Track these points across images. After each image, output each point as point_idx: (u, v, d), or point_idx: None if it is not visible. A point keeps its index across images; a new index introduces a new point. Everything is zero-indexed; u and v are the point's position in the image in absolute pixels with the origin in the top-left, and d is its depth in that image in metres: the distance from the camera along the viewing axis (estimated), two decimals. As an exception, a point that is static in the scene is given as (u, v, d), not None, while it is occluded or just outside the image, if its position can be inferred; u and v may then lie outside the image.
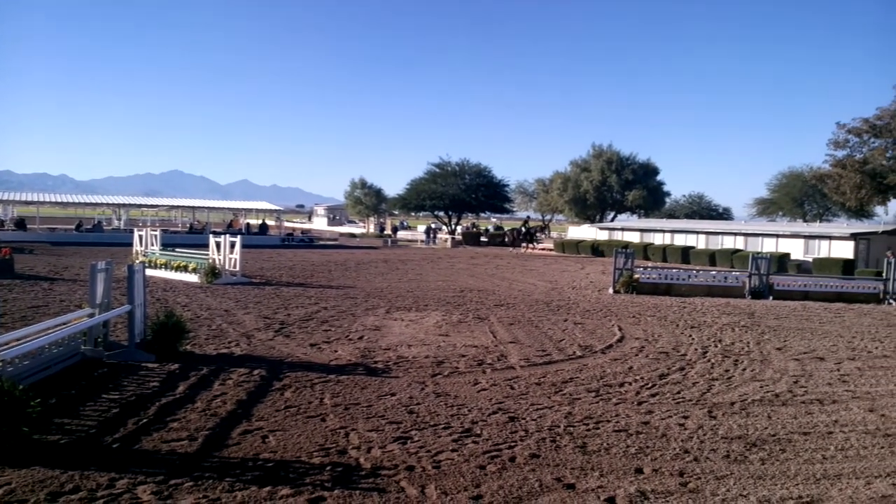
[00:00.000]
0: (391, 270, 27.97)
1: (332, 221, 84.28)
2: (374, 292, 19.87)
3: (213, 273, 20.65)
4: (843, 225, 45.64)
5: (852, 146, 33.09)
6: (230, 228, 45.47)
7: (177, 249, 24.45)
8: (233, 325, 13.53)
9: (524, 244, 47.44)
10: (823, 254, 34.91)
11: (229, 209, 55.59)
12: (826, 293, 22.32)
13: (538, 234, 47.99)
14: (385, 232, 67.83)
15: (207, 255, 21.61)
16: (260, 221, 53.97)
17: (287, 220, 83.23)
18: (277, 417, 7.59)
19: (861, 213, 49.91)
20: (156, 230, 27.20)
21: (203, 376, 9.30)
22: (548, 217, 74.24)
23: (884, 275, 22.78)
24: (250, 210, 54.85)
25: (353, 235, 65.33)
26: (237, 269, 21.50)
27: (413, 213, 77.78)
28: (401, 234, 66.68)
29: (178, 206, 59.44)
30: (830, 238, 35.54)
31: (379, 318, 15.06)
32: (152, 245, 24.85)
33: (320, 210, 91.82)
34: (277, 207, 59.50)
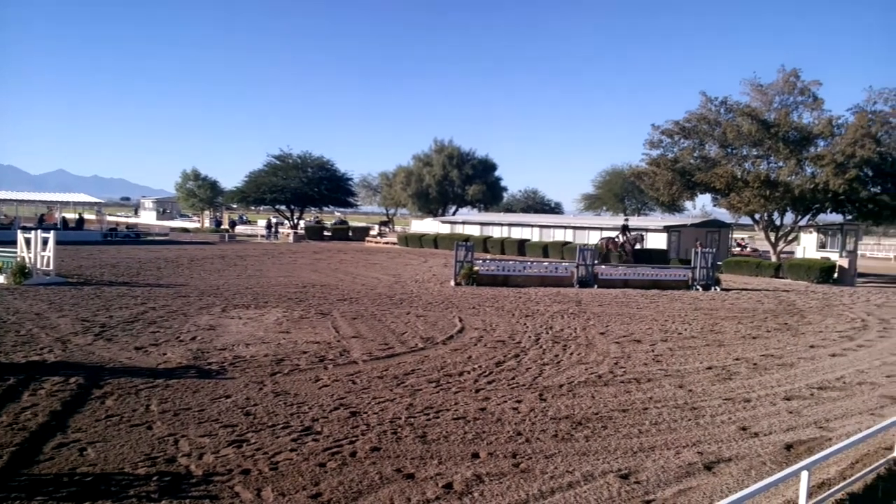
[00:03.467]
0: (228, 267, 26.79)
1: (161, 215, 79.23)
2: (208, 290, 18.93)
3: (22, 273, 18.69)
4: (658, 218, 50.01)
5: (665, 146, 36.14)
6: (43, 223, 41.28)
7: (-22, 247, 21.93)
8: (45, 329, 12.32)
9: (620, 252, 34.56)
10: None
11: (42, 202, 50.45)
12: (643, 281, 24.42)
13: (637, 245, 35.13)
14: (222, 227, 64.82)
15: (16, 252, 19.53)
16: (77, 215, 49.51)
17: (110, 214, 77.02)
18: (97, 428, 7.02)
19: (673, 207, 54.94)
20: (-49, 225, 24.24)
21: (10, 387, 8.39)
22: (391, 211, 74.74)
23: (692, 263, 25.27)
24: (67, 203, 50.05)
25: (185, 230, 61.75)
26: (51, 267, 19.63)
27: (253, 207, 74.96)
28: (239, 228, 64.10)
29: (-20, 199, 52.99)
30: (647, 230, 38.85)
31: (214, 317, 14.38)
32: (-54, 242, 22.05)
33: (148, 203, 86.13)
34: (99, 200, 54.93)
